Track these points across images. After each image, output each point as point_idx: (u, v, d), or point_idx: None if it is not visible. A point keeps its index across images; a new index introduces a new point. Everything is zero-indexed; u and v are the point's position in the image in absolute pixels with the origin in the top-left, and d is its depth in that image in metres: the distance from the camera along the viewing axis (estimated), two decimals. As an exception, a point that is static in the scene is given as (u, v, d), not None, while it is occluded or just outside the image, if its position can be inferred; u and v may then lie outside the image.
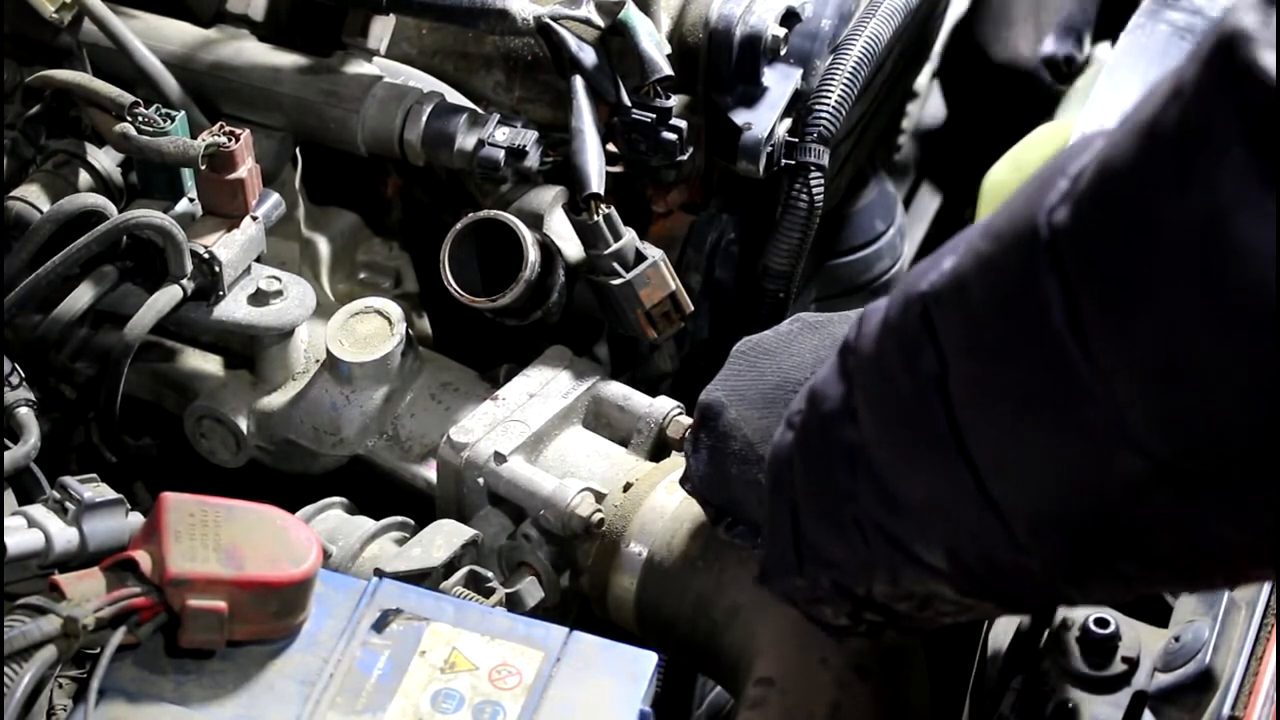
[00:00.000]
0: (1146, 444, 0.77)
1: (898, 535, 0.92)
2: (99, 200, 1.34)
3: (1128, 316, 0.75)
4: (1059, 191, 0.78)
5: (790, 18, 1.47)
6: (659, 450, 1.31)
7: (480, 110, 1.46)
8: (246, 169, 1.34)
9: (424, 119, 1.42)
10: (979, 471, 0.84)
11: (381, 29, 1.51)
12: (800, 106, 1.47)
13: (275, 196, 1.39)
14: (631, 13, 1.39)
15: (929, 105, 2.07)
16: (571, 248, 1.38)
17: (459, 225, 1.36)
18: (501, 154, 1.39)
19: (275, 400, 1.39)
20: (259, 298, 1.36)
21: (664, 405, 1.32)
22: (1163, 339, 0.74)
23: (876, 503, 0.92)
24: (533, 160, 1.40)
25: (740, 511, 1.14)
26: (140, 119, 1.35)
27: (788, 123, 1.48)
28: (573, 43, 1.39)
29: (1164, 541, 0.81)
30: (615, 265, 1.36)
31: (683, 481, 1.18)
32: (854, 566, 0.96)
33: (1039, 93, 1.89)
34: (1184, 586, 1.08)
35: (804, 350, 1.14)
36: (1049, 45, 1.92)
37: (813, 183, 1.45)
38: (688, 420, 1.30)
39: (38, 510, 1.13)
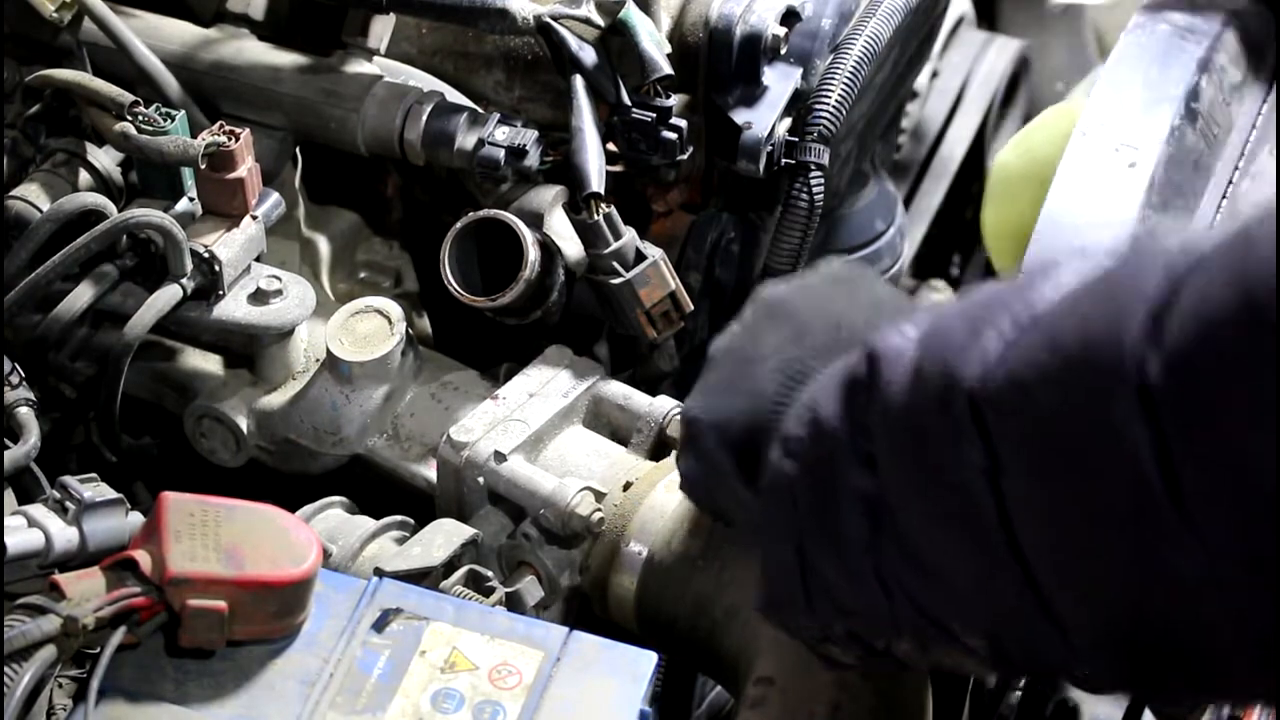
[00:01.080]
0: (1238, 595, 0.74)
1: (931, 608, 0.88)
2: (99, 199, 1.34)
3: (1232, 475, 0.72)
4: (1141, 330, 0.74)
5: (790, 17, 1.47)
6: (659, 449, 1.31)
7: (480, 110, 1.46)
8: (246, 168, 1.34)
9: (424, 118, 1.42)
10: (1036, 579, 0.81)
11: (381, 28, 1.51)
12: (800, 106, 1.47)
13: (275, 196, 1.39)
14: (631, 12, 1.39)
15: (929, 105, 2.07)
16: (571, 247, 1.38)
17: (459, 225, 1.36)
18: (501, 153, 1.39)
19: (275, 400, 1.39)
20: (259, 297, 1.36)
21: (664, 405, 1.32)
22: (1273, 498, 0.71)
23: (905, 567, 0.87)
24: (533, 159, 1.40)
25: (733, 523, 1.13)
26: (140, 118, 1.35)
27: (788, 122, 1.48)
28: (573, 42, 1.39)
29: (1234, 673, 0.79)
30: (615, 264, 1.36)
31: (681, 486, 1.18)
32: (875, 620, 0.92)
33: None
34: (1237, 705, 1.05)
35: (769, 346, 1.06)
36: None
37: (813, 182, 1.45)
38: (688, 420, 1.30)
39: (38, 510, 1.13)
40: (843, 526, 0.89)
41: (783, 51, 1.47)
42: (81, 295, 1.32)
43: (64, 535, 1.12)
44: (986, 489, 0.80)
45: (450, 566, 1.20)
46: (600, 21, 1.39)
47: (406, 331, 1.37)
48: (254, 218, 1.36)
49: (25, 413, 1.24)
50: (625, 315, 1.38)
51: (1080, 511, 0.78)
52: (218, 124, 1.34)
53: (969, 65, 2.12)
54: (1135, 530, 0.76)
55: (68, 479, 1.14)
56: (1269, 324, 0.70)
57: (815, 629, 0.97)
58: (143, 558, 1.03)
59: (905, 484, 0.86)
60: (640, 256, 1.37)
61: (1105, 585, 0.79)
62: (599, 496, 1.25)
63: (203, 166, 1.32)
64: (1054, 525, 0.80)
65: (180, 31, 1.52)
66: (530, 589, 1.24)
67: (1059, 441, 0.78)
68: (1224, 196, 1.39)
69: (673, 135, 1.40)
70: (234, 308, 1.36)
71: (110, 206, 1.34)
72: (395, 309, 1.37)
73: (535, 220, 1.39)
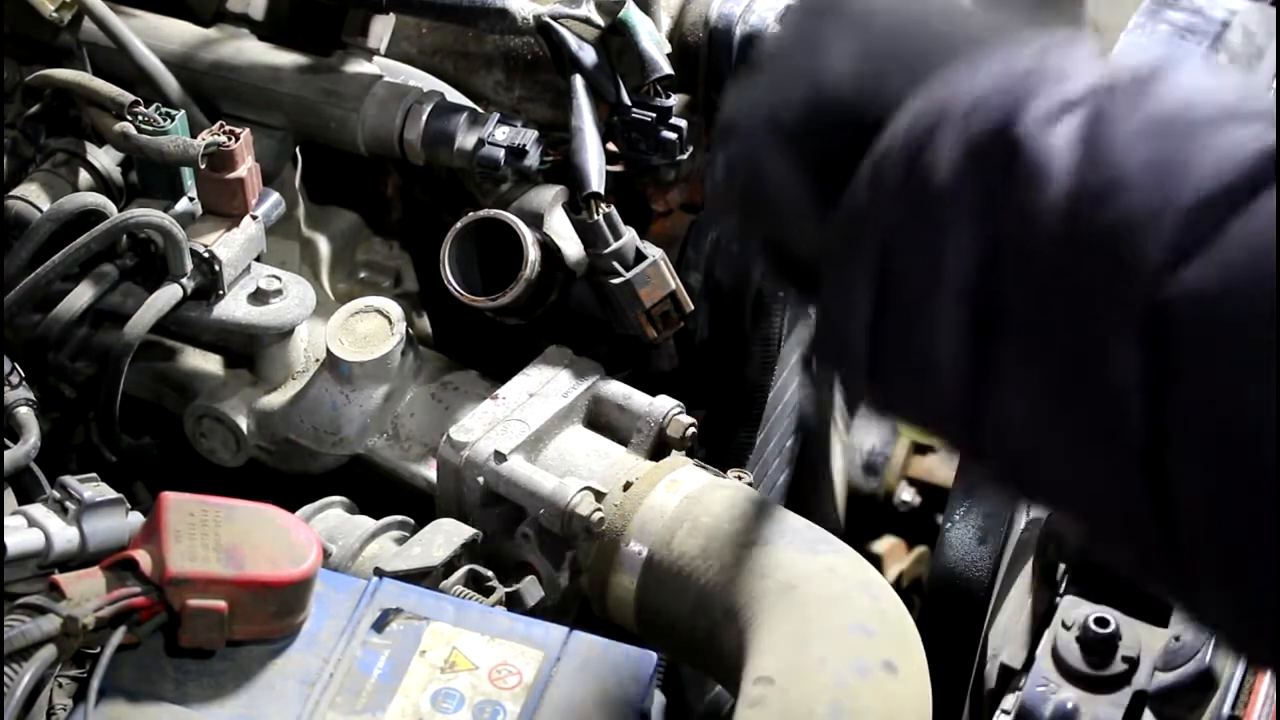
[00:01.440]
0: None
1: (1021, 464, 0.74)
2: (99, 199, 1.34)
3: None
4: None
5: (790, 17, 1.47)
6: (659, 449, 1.31)
7: (480, 109, 1.46)
8: (246, 168, 1.34)
9: (424, 118, 1.42)
10: (1169, 506, 0.67)
11: (381, 28, 1.51)
12: (800, 106, 1.47)
13: (275, 196, 1.39)
14: (631, 12, 1.39)
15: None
16: (571, 247, 1.38)
17: (459, 225, 1.36)
18: (501, 153, 1.39)
19: (275, 400, 1.39)
20: (259, 297, 1.36)
21: (664, 405, 1.32)
22: None
23: (1001, 407, 0.72)
24: (533, 159, 1.40)
25: (761, 257, 0.93)
26: (140, 118, 1.35)
27: (788, 122, 1.48)
28: (573, 42, 1.39)
29: None
30: (615, 264, 1.36)
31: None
32: (955, 436, 0.78)
33: None
34: None
35: (831, 49, 0.83)
36: None
37: (813, 182, 1.45)
38: (688, 420, 1.30)
39: (38, 510, 1.13)
40: (936, 323, 0.73)
41: (783, 51, 1.47)
42: (81, 295, 1.32)
43: (64, 535, 1.12)
44: (1139, 405, 0.67)
45: (450, 566, 1.20)
46: (600, 21, 1.39)
47: (406, 331, 1.37)
48: (254, 218, 1.36)
49: (25, 413, 1.23)
50: (625, 315, 1.38)
51: (1247, 487, 0.65)
52: (218, 124, 1.34)
53: (969, 65, 2.11)
54: None
55: (68, 479, 1.14)
56: None
57: (878, 402, 0.81)
58: (143, 558, 1.03)
59: (1033, 333, 0.71)
60: (640, 256, 1.37)
61: (1252, 554, 0.66)
62: (599, 496, 1.25)
63: (203, 166, 1.32)
64: (1212, 489, 0.66)
65: (180, 31, 1.52)
66: (530, 589, 1.24)
67: (1249, 413, 0.64)
68: (1224, 196, 1.39)
69: (673, 135, 1.40)
70: (234, 308, 1.36)
71: (110, 206, 1.34)
72: (395, 309, 1.37)
73: (535, 220, 1.39)
